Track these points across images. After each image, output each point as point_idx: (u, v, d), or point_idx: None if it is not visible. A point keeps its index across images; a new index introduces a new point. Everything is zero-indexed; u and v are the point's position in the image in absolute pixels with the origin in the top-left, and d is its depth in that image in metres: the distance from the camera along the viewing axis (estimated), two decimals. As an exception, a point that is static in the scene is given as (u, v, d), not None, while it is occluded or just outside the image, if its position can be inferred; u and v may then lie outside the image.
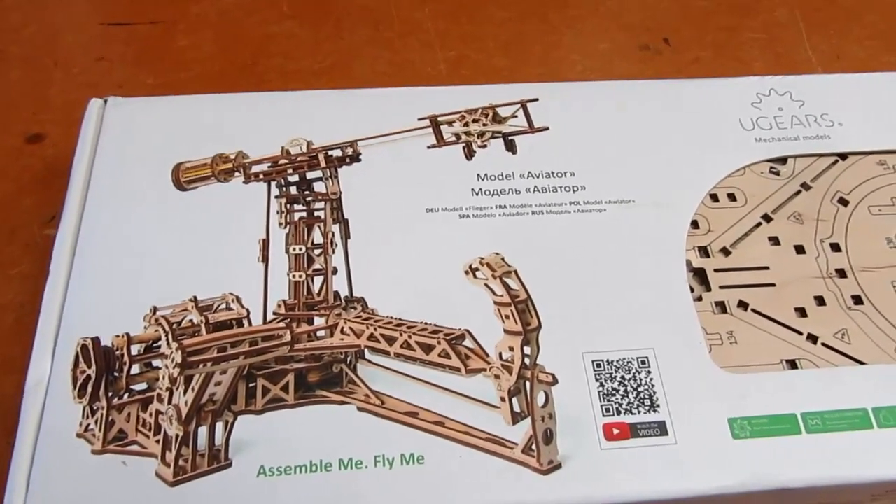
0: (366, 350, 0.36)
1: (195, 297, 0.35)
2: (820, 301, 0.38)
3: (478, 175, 0.40)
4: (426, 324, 0.35)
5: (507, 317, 0.34)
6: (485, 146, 0.41)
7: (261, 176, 0.39)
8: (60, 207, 0.39)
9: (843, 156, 0.42)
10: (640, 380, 0.34)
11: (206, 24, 0.56)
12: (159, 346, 0.34)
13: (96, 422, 0.32)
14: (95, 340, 0.34)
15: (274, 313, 0.36)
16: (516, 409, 0.33)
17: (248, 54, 0.55)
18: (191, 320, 0.34)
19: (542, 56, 0.56)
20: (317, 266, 0.38)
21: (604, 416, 0.33)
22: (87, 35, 0.55)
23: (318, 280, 0.38)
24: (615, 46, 0.56)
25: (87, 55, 0.54)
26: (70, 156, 0.41)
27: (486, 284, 0.35)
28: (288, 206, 0.39)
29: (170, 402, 0.33)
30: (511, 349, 0.34)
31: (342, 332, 0.36)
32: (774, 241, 0.39)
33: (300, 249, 0.38)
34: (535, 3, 0.58)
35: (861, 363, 0.36)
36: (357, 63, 0.55)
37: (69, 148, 0.42)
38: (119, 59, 0.54)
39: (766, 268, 0.39)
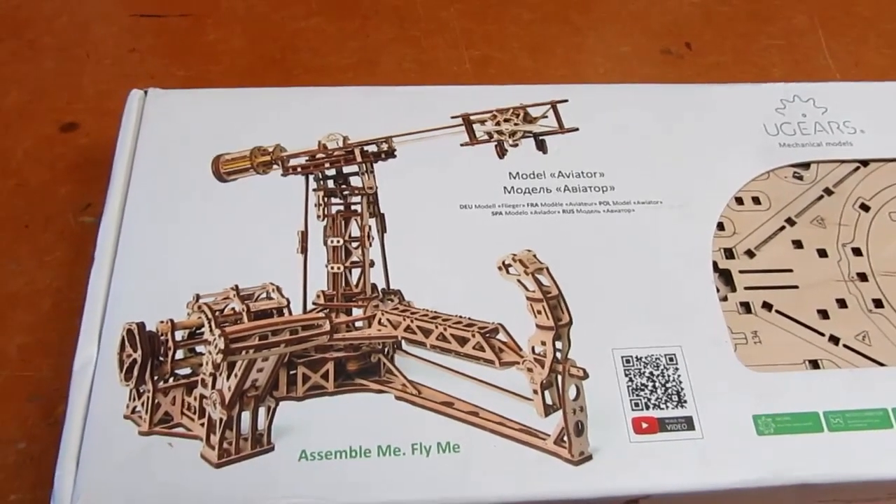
0: (403, 341, 0.37)
1: (237, 286, 0.36)
2: (842, 304, 0.39)
3: (510, 173, 0.41)
4: (461, 317, 0.36)
5: (539, 312, 0.35)
6: (516, 145, 0.42)
7: (298, 169, 0.40)
8: (96, 196, 0.39)
9: (865, 162, 0.43)
10: (668, 376, 0.35)
11: (234, 18, 0.57)
12: (202, 333, 0.34)
13: (143, 404, 0.33)
14: (140, 325, 0.34)
15: (313, 303, 0.37)
16: (548, 401, 0.34)
17: (276, 49, 0.56)
18: (233, 308, 0.35)
19: (565, 58, 0.56)
20: (354, 258, 0.39)
21: (633, 410, 0.34)
22: (118, 26, 0.56)
23: (356, 272, 0.39)
24: (637, 50, 0.57)
25: (118, 46, 0.55)
26: (103, 145, 0.42)
27: (518, 280, 0.35)
28: (326, 199, 0.39)
29: (213, 386, 0.33)
30: (543, 343, 0.35)
31: (380, 323, 0.37)
32: (797, 244, 0.40)
33: (338, 242, 0.39)
34: (558, 5, 0.59)
35: (881, 364, 0.37)
36: (383, 60, 0.55)
37: (103, 137, 0.42)
38: (150, 50, 0.55)
39: (790, 270, 0.40)
